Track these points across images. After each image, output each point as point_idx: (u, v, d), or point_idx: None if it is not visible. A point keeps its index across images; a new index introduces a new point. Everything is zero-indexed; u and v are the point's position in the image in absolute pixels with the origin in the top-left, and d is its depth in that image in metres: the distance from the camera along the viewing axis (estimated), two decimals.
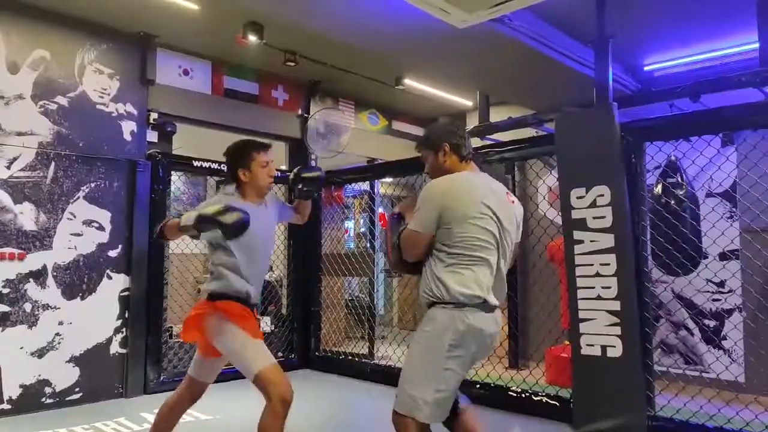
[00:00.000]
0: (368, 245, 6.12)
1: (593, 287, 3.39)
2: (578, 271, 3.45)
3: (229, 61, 5.33)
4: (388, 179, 7.04)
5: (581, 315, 3.43)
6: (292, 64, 5.20)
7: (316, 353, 5.61)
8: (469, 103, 6.58)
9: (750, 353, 4.11)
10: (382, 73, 5.74)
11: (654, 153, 3.76)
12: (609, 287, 3.33)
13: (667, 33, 4.58)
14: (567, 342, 4.58)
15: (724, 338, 4.44)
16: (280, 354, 5.45)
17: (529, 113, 5.28)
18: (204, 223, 2.20)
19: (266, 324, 5.48)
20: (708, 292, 4.54)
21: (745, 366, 4.24)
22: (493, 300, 2.11)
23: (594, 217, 3.41)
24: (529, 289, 5.64)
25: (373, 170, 5.98)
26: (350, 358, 5.50)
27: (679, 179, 4.54)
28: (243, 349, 2.33)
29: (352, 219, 7.97)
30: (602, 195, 3.39)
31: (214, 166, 4.99)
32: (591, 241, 3.41)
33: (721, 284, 4.46)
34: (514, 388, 4.12)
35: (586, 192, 3.45)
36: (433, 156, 2.26)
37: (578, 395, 3.49)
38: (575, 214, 3.49)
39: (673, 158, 4.39)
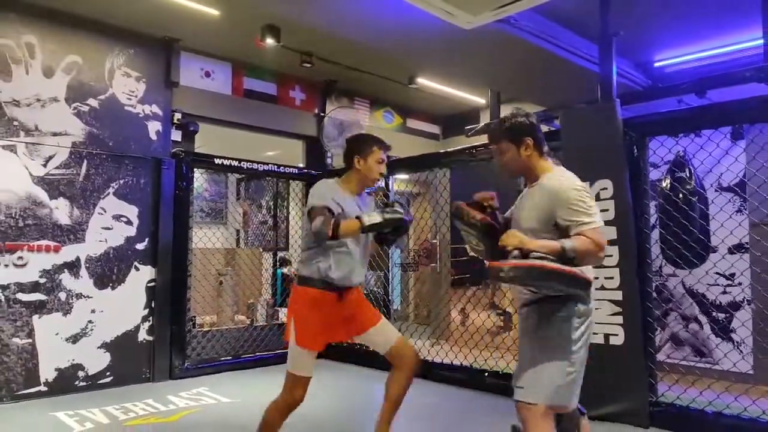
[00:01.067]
0: None
1: (597, 278, 3.50)
2: None
3: (248, 63, 5.56)
4: (403, 176, 7.21)
5: None
6: (309, 65, 5.40)
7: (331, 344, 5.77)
8: (482, 101, 6.70)
9: (758, 346, 4.18)
10: (395, 72, 5.91)
11: (671, 146, 3.82)
12: (612, 277, 3.45)
13: (676, 29, 4.66)
14: None
15: (733, 331, 4.51)
16: None
17: (540, 110, 5.41)
18: (388, 225, 2.41)
19: (284, 315, 5.69)
20: (718, 285, 4.61)
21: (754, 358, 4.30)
22: None
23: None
24: None
25: (388, 166, 6.13)
26: (360, 347, 5.68)
27: (687, 174, 4.61)
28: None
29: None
30: (605, 188, 3.50)
31: (235, 163, 5.21)
32: None
33: (731, 276, 4.53)
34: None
35: (590, 186, 3.56)
36: (514, 150, 2.16)
37: (583, 381, 3.61)
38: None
39: (680, 153, 4.47)
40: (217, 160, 5.08)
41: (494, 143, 2.25)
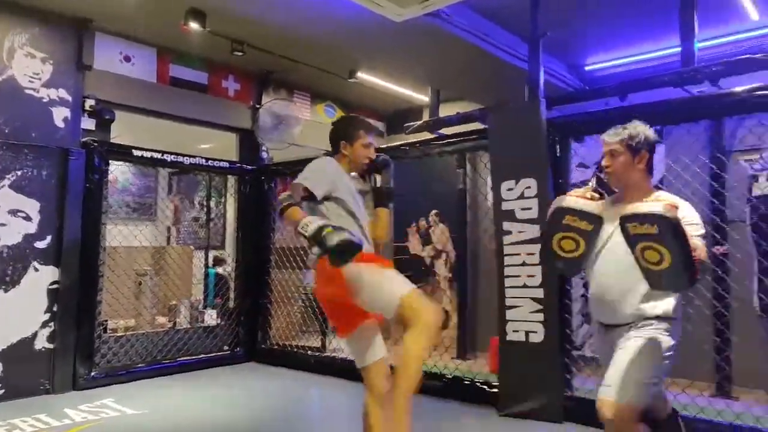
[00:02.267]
0: None
1: (519, 276, 3.47)
2: (506, 260, 3.53)
3: (175, 49, 5.26)
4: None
5: (508, 303, 3.51)
6: (240, 53, 5.16)
7: (263, 346, 5.58)
8: (425, 99, 6.60)
9: None
10: (335, 65, 5.73)
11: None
12: (533, 276, 3.42)
13: (605, 34, 4.71)
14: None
15: None
16: (225, 347, 5.40)
17: (476, 109, 5.34)
18: (320, 244, 2.04)
19: (211, 317, 5.43)
20: None
21: None
22: None
23: (522, 209, 3.48)
24: (478, 280, 5.72)
25: None
26: (296, 351, 5.49)
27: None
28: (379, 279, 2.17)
29: None
30: (529, 187, 3.47)
31: (158, 156, 4.91)
32: (518, 232, 3.49)
33: None
34: (448, 375, 4.16)
35: (515, 184, 3.52)
36: (629, 157, 2.11)
37: (503, 380, 3.57)
38: (505, 206, 3.56)
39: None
40: (136, 152, 4.75)
41: (610, 145, 2.16)
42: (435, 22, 3.93)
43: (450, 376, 4.08)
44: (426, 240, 6.69)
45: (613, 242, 2.09)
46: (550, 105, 3.60)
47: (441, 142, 4.58)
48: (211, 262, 6.14)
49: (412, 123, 5.87)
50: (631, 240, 1.87)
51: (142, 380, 4.57)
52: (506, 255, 3.52)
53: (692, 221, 2.02)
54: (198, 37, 4.78)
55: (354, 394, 4.16)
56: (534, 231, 3.40)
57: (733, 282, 4.00)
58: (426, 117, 6.68)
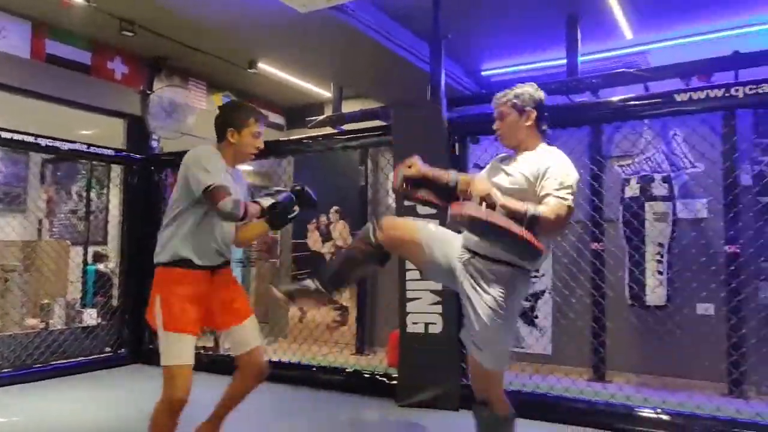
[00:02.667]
0: None
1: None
2: None
3: (53, 24, 4.78)
4: (246, 166, 6.83)
5: (408, 296, 3.61)
6: (130, 33, 4.82)
7: (150, 346, 5.25)
8: (327, 94, 6.58)
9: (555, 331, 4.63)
10: (234, 54, 5.54)
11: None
12: None
13: (500, 42, 5.00)
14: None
15: (536, 317, 4.95)
16: (107, 349, 5.01)
17: (379, 106, 5.44)
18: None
19: (91, 317, 5.01)
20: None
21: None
22: None
23: (422, 205, 3.57)
24: (377, 277, 5.81)
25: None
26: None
27: None
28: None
29: None
30: None
31: (30, 139, 4.42)
32: None
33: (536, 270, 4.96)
34: (348, 369, 4.21)
35: None
36: (516, 116, 2.13)
37: (402, 371, 3.67)
38: (407, 202, 3.64)
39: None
40: (4, 134, 4.22)
41: (500, 105, 2.18)
42: (340, 16, 3.94)
43: (350, 371, 4.12)
44: (326, 236, 6.68)
45: None
46: (451, 106, 3.76)
47: (345, 137, 4.60)
48: (90, 258, 5.67)
49: (314, 117, 5.85)
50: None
51: (10, 386, 4.09)
52: None
53: (556, 178, 2.01)
54: (81, 12, 4.40)
55: (260, 394, 4.11)
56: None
57: (610, 274, 4.46)
58: (328, 112, 6.68)
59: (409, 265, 3.61)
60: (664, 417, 3.07)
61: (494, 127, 2.22)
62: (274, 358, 4.52)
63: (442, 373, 3.50)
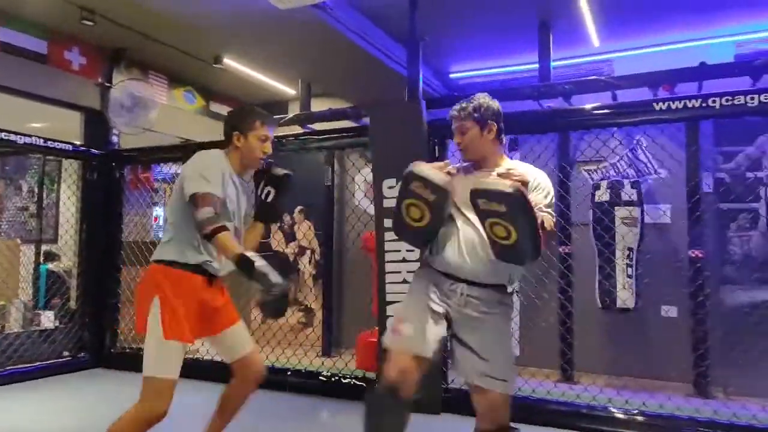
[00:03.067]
0: None
1: (400, 272, 3.57)
2: (387, 257, 3.60)
3: (6, 11, 4.48)
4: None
5: (389, 299, 3.58)
6: (90, 23, 4.58)
7: (112, 350, 5.03)
8: (291, 92, 6.48)
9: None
10: (200, 48, 5.37)
11: None
12: (413, 272, 3.51)
13: (469, 45, 5.04)
14: (377, 327, 4.76)
15: None
16: (66, 353, 4.76)
17: (348, 107, 5.38)
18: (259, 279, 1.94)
19: (48, 320, 4.75)
20: None
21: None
22: None
23: None
24: (344, 277, 5.76)
25: (187, 151, 5.53)
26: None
27: None
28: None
29: (162, 205, 7.34)
30: None
31: None
32: None
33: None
34: (324, 372, 4.14)
35: (396, 182, 3.58)
36: (477, 131, 2.10)
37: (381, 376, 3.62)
38: (386, 203, 3.62)
39: None
40: None
41: (459, 119, 2.14)
42: (317, 13, 3.88)
43: (327, 374, 4.07)
44: (290, 236, 6.58)
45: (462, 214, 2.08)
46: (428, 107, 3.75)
47: (319, 137, 4.53)
48: (42, 257, 5.38)
49: (282, 116, 5.72)
50: (481, 215, 1.92)
51: None
52: (387, 251, 3.59)
53: (544, 190, 2.08)
54: None
55: (211, 395, 3.99)
56: None
57: (575, 278, 4.56)
58: (292, 110, 6.57)
59: (389, 267, 3.59)
60: (625, 416, 3.21)
61: (455, 141, 2.18)
62: None
63: (425, 377, 3.47)
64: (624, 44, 4.73)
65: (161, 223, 7.30)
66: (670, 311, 4.45)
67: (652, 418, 3.17)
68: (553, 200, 2.08)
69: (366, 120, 4.70)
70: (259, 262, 1.93)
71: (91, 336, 4.95)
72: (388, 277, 3.60)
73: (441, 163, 2.13)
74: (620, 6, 4.03)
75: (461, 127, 2.13)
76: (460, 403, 3.48)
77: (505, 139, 2.19)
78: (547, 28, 4.21)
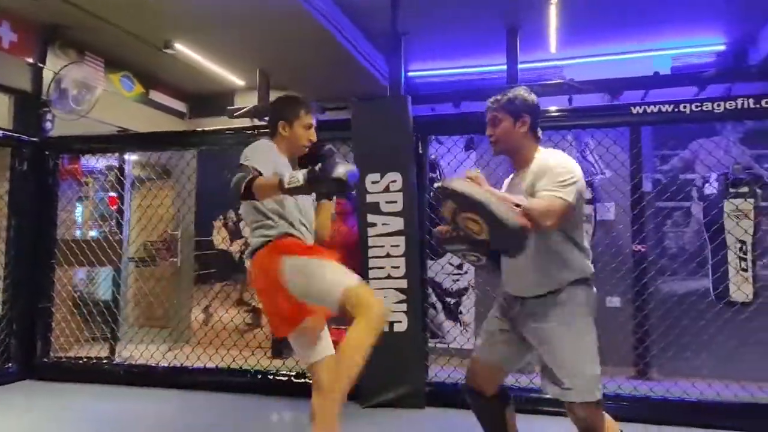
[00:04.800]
0: (114, 229, 5.29)
1: (383, 267, 3.56)
2: (370, 252, 3.58)
3: None
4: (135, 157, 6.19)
5: None
6: None
7: (44, 360, 4.57)
8: (240, 82, 6.22)
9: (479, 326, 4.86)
10: (149, 31, 5.00)
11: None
12: (398, 267, 3.54)
13: (428, 46, 5.11)
14: (333, 327, 4.70)
15: (461, 313, 5.17)
16: None
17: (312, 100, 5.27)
18: (315, 183, 1.88)
19: None
20: (451, 275, 5.21)
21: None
22: None
23: (387, 202, 3.57)
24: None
25: (128, 141, 5.15)
26: (83, 362, 4.71)
27: (438, 174, 5.10)
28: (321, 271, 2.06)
29: (86, 198, 6.75)
30: (395, 181, 3.58)
31: None
32: (383, 224, 3.57)
33: (460, 266, 5.17)
34: (293, 373, 4.03)
35: (381, 177, 3.59)
36: (510, 123, 2.06)
37: (365, 372, 3.58)
38: (369, 198, 3.60)
39: (433, 157, 4.91)
40: None
41: (492, 110, 2.10)
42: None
43: (295, 373, 3.97)
44: (235, 234, 6.35)
45: None
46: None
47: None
48: None
49: (238, 107, 5.49)
50: (454, 221, 1.91)
51: None
52: (371, 247, 3.57)
53: (548, 175, 1.98)
54: None
55: (154, 401, 3.84)
56: (399, 223, 3.53)
57: None
58: (239, 102, 6.33)
59: (372, 263, 3.57)
60: None
61: (487, 133, 2.15)
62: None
63: (408, 372, 3.50)
64: (576, 53, 5.03)
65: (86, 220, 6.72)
66: (614, 302, 4.81)
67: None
68: (566, 181, 1.94)
69: (330, 115, 4.64)
70: (298, 180, 1.89)
71: (19, 344, 4.47)
72: (372, 273, 3.57)
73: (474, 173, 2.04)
74: (580, 18, 4.28)
75: (493, 119, 2.11)
76: (443, 396, 3.56)
77: (540, 134, 2.14)
78: (515, 32, 4.38)
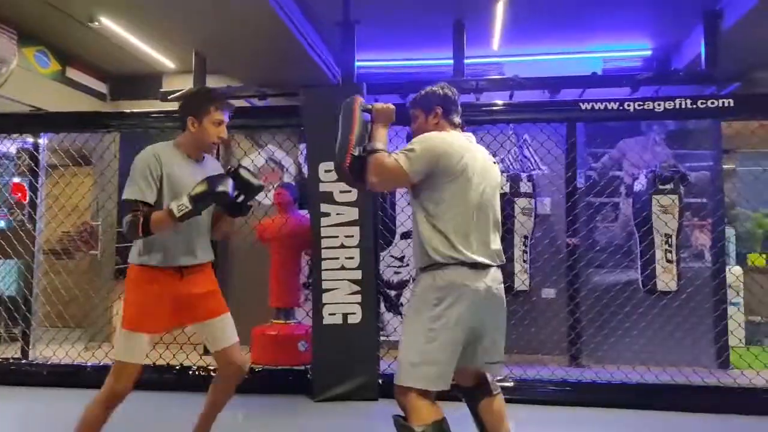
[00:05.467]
0: (26, 219, 4.82)
1: (337, 258, 3.49)
2: (324, 242, 3.49)
3: None
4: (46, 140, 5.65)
5: (324, 286, 3.48)
6: None
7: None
8: (171, 65, 5.85)
9: None
10: (71, 2, 4.55)
11: None
12: (352, 257, 3.49)
13: (376, 35, 5.05)
14: (273, 321, 4.55)
15: (401, 305, 5.20)
16: None
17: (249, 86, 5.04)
18: (201, 202, 2.07)
19: None
20: (392, 266, 5.23)
21: None
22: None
23: (341, 191, 3.49)
24: (232, 269, 5.42)
25: (44, 121, 4.68)
26: None
27: None
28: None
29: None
30: None
31: None
32: (337, 214, 3.50)
33: (401, 258, 5.20)
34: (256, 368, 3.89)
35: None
36: (423, 117, 2.18)
37: (317, 366, 3.52)
38: (323, 188, 3.51)
39: None
40: None
41: (410, 110, 2.23)
42: None
43: (258, 369, 3.83)
44: None
45: None
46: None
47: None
48: None
49: (174, 90, 5.13)
50: None
51: None
52: (324, 237, 3.48)
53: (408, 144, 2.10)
54: None
55: (62, 400, 3.59)
56: (354, 213, 3.46)
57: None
58: (167, 85, 5.96)
59: (326, 253, 3.49)
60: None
61: (411, 129, 2.28)
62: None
63: (362, 364, 3.46)
64: (515, 51, 5.17)
65: None
66: (551, 293, 5.03)
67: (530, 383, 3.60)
68: (412, 149, 2.03)
69: (254, 101, 4.47)
70: (184, 203, 2.06)
71: None
72: (325, 264, 3.49)
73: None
74: (522, 17, 4.40)
75: (411, 115, 2.25)
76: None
77: (456, 116, 2.20)
78: (462, 26, 4.42)
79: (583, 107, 3.38)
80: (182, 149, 2.26)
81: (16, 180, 5.62)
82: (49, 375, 4.08)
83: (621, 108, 3.29)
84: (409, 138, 4.54)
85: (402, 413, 1.98)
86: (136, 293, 2.18)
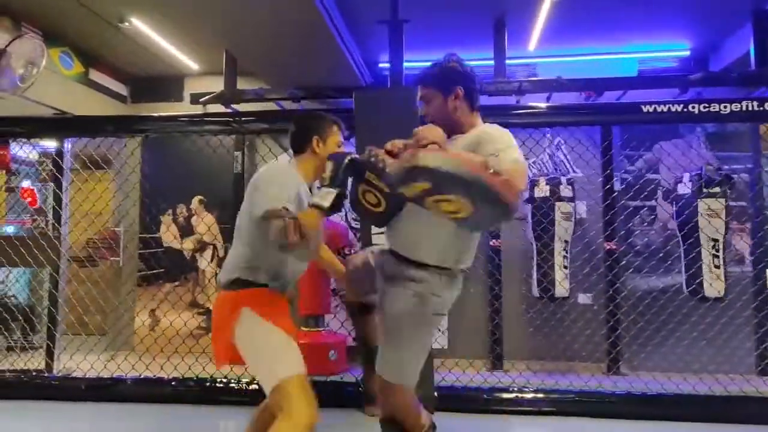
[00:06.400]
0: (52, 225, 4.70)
1: None
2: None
3: None
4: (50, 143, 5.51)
5: None
6: None
7: None
8: (194, 66, 5.73)
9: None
10: (101, 1, 4.43)
11: None
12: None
13: (414, 35, 4.94)
14: (302, 328, 4.45)
15: None
16: None
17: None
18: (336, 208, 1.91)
19: None
20: None
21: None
22: None
23: None
24: None
25: (70, 124, 4.55)
26: (11, 377, 4.14)
27: None
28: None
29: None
30: None
31: None
32: None
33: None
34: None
35: None
36: (441, 99, 1.93)
37: (370, 379, 3.40)
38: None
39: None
40: None
41: (421, 89, 1.97)
42: None
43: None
44: (186, 230, 5.90)
45: None
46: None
47: (232, 119, 4.09)
48: None
49: (206, 92, 5.02)
50: (417, 201, 1.66)
51: None
52: (375, 245, 3.37)
53: (489, 143, 1.81)
54: None
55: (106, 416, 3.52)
56: None
57: (508, 270, 4.80)
58: (190, 88, 5.85)
59: None
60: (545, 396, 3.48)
61: (421, 113, 2.03)
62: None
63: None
64: (550, 51, 5.07)
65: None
66: (586, 298, 4.94)
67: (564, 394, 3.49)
68: (514, 156, 1.75)
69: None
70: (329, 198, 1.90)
71: None
72: None
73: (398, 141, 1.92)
74: (563, 17, 4.30)
75: (424, 97, 1.99)
76: (447, 399, 3.45)
77: (477, 98, 1.98)
78: (503, 26, 4.33)
79: (645, 110, 3.28)
80: (302, 172, 2.15)
81: (24, 184, 5.48)
82: (86, 389, 3.91)
83: (685, 110, 3.20)
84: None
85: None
86: (260, 305, 2.08)
